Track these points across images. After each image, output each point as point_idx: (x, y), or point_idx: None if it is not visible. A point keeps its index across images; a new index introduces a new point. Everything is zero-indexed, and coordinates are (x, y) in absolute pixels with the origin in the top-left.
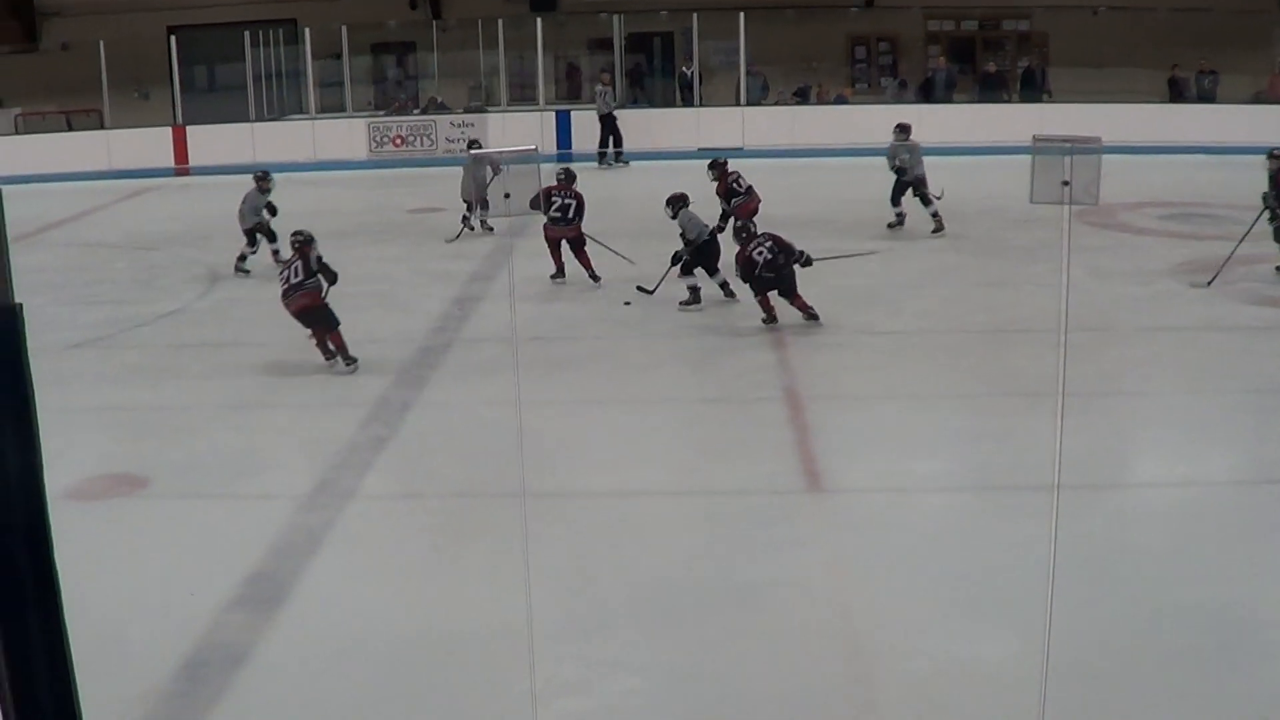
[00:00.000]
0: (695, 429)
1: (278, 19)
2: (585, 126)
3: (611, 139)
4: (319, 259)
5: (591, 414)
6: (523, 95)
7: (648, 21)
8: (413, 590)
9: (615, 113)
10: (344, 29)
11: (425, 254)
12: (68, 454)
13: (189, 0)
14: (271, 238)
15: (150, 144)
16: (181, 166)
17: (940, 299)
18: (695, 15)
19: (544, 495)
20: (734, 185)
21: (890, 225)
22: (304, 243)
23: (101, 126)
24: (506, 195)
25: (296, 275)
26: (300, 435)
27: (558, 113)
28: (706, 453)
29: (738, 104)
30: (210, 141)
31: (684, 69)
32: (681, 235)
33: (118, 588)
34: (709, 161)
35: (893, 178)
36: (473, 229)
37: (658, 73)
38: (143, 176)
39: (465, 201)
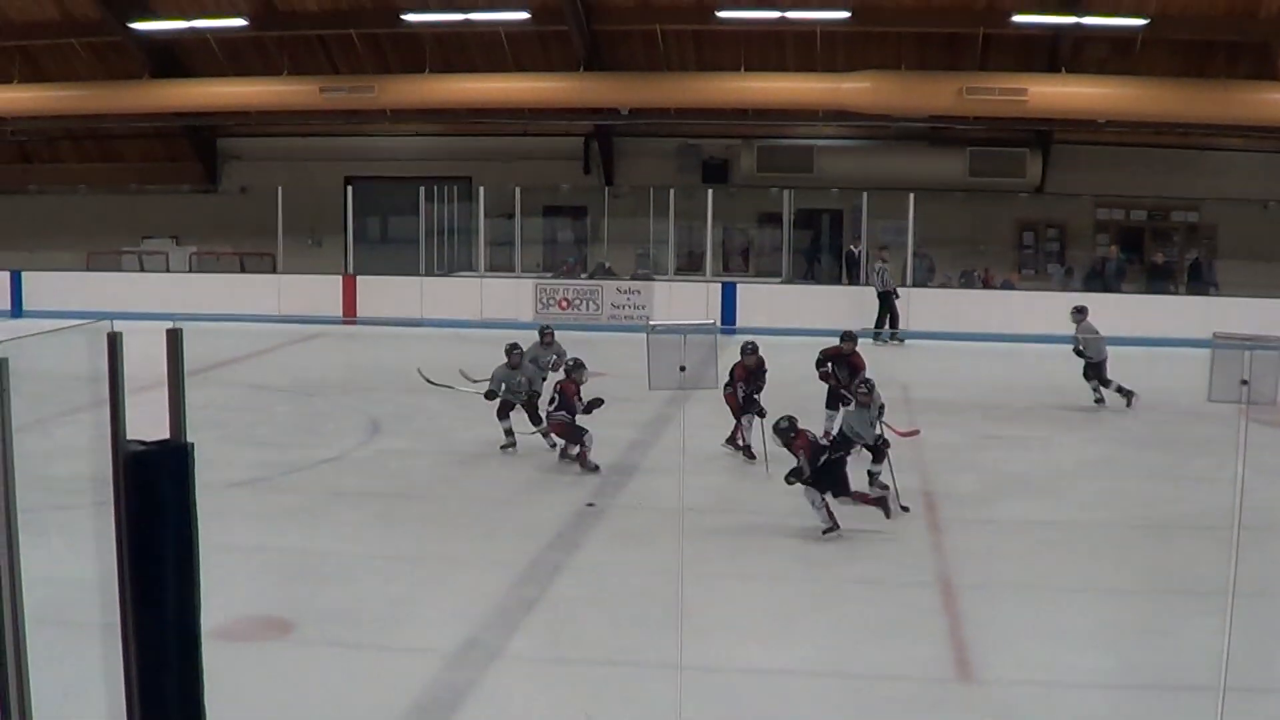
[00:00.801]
0: (847, 610)
1: (453, 176)
2: (751, 300)
3: (889, 317)
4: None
5: (744, 588)
6: (689, 265)
7: (818, 198)
8: None
9: (897, 290)
10: (518, 190)
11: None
12: (218, 592)
13: (367, 153)
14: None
15: (320, 291)
16: (349, 316)
17: (1101, 489)
18: (865, 194)
19: (691, 668)
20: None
21: (1096, 401)
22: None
23: (274, 270)
24: (682, 368)
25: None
26: (450, 591)
27: (724, 284)
28: (857, 635)
29: (903, 285)
30: (379, 292)
31: (851, 247)
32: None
33: None
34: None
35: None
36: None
37: (825, 249)
38: (311, 322)
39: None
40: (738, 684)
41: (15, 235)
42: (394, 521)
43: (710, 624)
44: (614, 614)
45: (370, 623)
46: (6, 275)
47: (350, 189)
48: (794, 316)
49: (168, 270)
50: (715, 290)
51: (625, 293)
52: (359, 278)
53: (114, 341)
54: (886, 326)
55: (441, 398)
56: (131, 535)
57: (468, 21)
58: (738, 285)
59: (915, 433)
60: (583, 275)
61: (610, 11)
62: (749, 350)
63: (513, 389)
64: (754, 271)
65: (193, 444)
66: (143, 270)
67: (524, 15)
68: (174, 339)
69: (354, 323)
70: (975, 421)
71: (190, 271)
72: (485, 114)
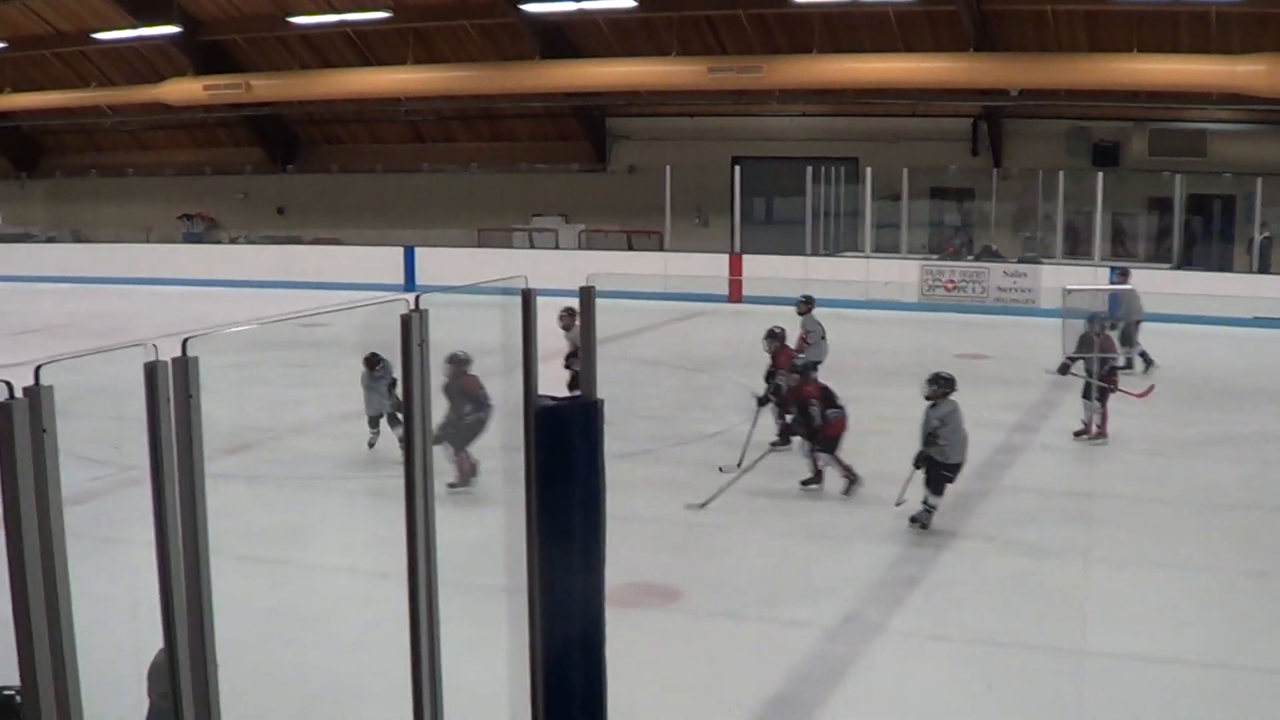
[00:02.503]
0: (1230, 601)
1: (840, 156)
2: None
3: None
4: None
5: (1127, 574)
6: (1076, 249)
7: (1209, 184)
8: None
9: None
10: (905, 171)
11: (969, 400)
12: (608, 559)
13: (754, 133)
14: None
15: (707, 269)
16: (735, 294)
17: None
18: (1260, 180)
19: (1065, 650)
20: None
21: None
22: None
23: (661, 248)
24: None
25: None
26: (833, 566)
27: (1111, 269)
28: (1246, 626)
29: None
30: (765, 271)
31: (1256, 234)
32: None
33: (642, 695)
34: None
35: None
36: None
37: (1215, 236)
38: (697, 300)
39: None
40: (1120, 669)
41: (409, 213)
42: (778, 498)
43: (1100, 610)
44: (995, 595)
45: (754, 594)
46: (400, 251)
47: (737, 169)
48: (1182, 304)
49: (557, 247)
50: (1103, 275)
51: (1011, 275)
52: (745, 256)
53: (528, 299)
54: None
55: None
56: (541, 488)
57: (856, 1)
58: (1129, 271)
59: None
60: (969, 257)
61: None
62: None
63: None
64: (1144, 257)
65: (602, 400)
66: (533, 247)
67: None
68: (587, 296)
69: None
70: None
71: (579, 249)
72: (873, 94)
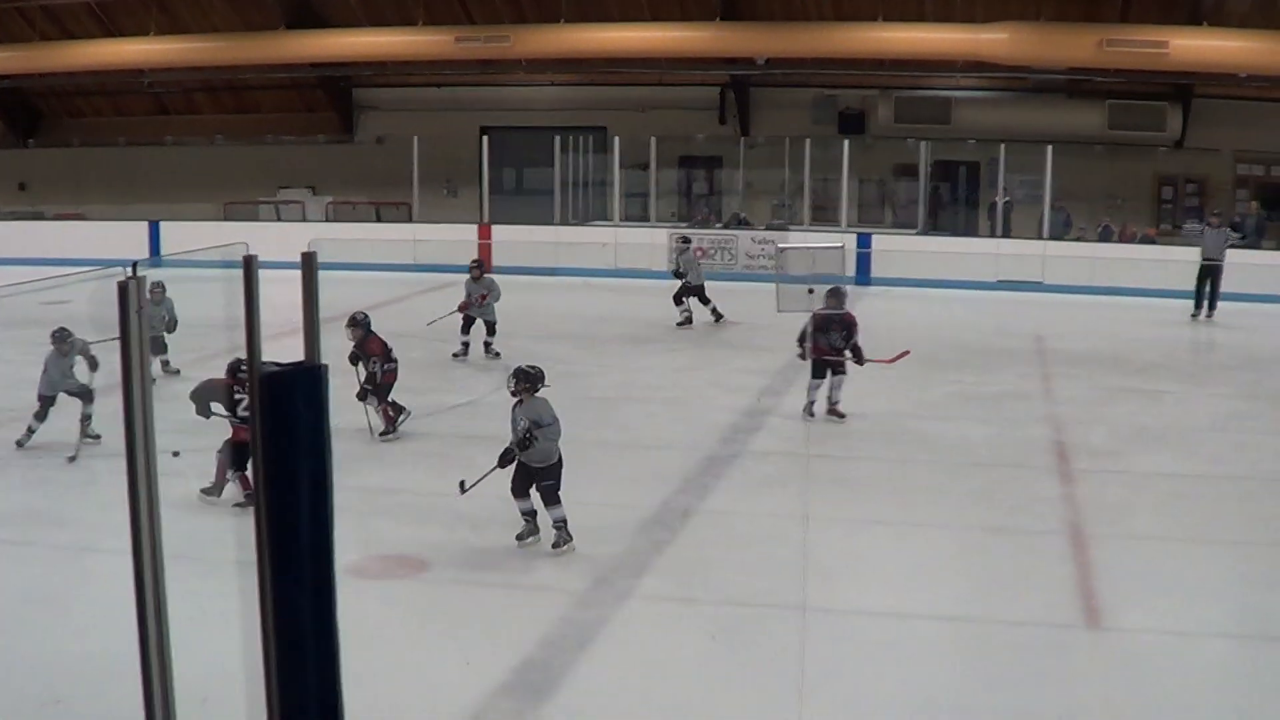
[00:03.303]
0: (975, 557)
1: (588, 125)
2: (884, 251)
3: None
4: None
5: (872, 534)
6: (824, 216)
7: (954, 150)
8: (681, 694)
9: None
10: (653, 140)
11: (718, 365)
12: (352, 533)
13: (502, 103)
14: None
15: (456, 240)
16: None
17: (1233, 444)
18: (1003, 146)
19: (819, 610)
20: None
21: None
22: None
23: (410, 220)
24: (810, 290)
25: None
26: (583, 533)
27: (859, 235)
28: (985, 581)
29: (1039, 238)
30: (514, 242)
31: (996, 199)
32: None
33: (389, 665)
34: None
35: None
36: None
37: (960, 202)
38: (446, 271)
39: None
40: (864, 626)
41: (153, 186)
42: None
43: (837, 568)
44: (742, 558)
45: (501, 562)
46: (145, 225)
47: (486, 139)
48: (928, 268)
49: (304, 220)
50: (851, 241)
51: (760, 243)
52: (494, 226)
53: (249, 264)
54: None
55: (576, 344)
56: (268, 455)
57: None
58: (873, 236)
59: (904, 354)
60: (718, 225)
61: None
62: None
63: None
64: (890, 223)
65: (326, 365)
66: (279, 220)
67: None
68: (309, 262)
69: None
70: (1107, 374)
71: (326, 220)
72: (621, 64)
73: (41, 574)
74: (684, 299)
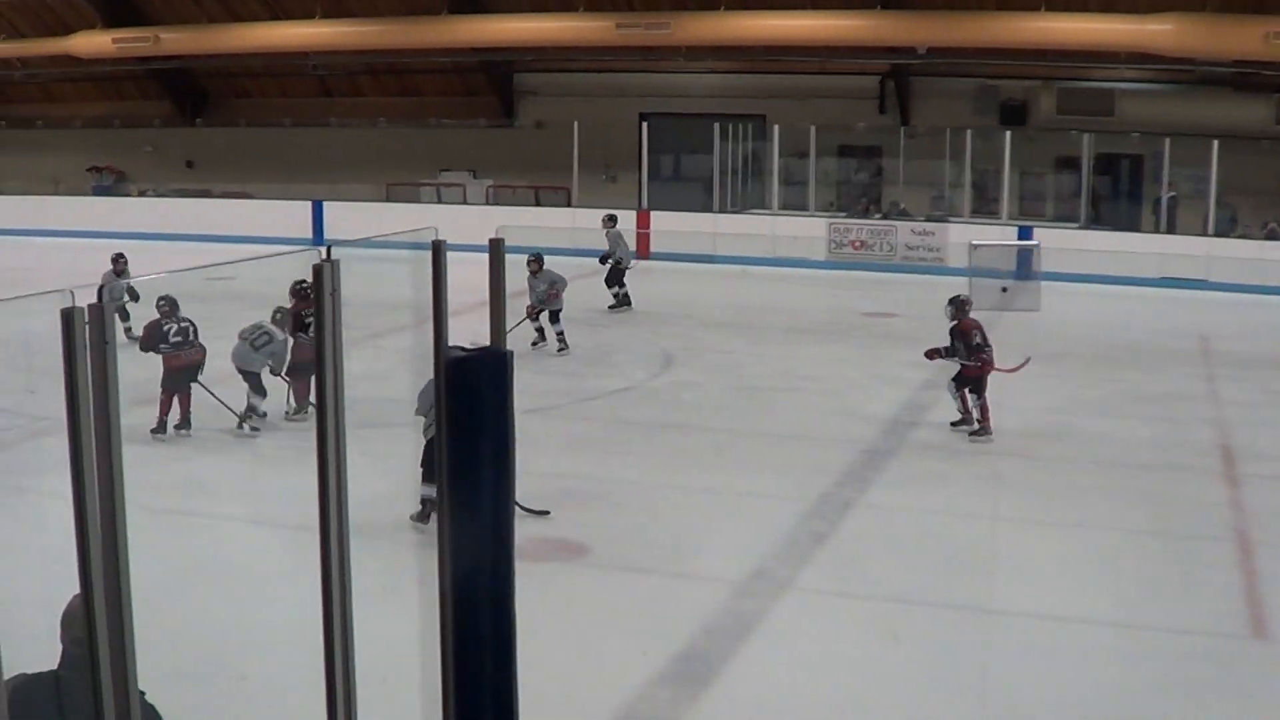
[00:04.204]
0: (1138, 561)
1: (748, 114)
2: (1046, 245)
3: None
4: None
5: (1032, 533)
6: (985, 208)
7: (1117, 143)
8: (838, 689)
9: None
10: (813, 129)
11: (879, 357)
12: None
13: (662, 89)
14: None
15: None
16: (642, 251)
17: None
18: (1167, 140)
19: (977, 610)
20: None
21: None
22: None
23: (568, 204)
24: (1004, 289)
25: None
26: (741, 522)
27: (1019, 228)
28: (1148, 587)
29: (1204, 234)
30: (672, 228)
31: (1162, 194)
32: None
33: (548, 649)
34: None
35: None
36: None
37: (1123, 196)
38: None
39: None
40: (1022, 627)
41: (316, 167)
42: (685, 452)
43: (997, 567)
44: (901, 552)
45: (662, 549)
46: (308, 205)
47: (645, 125)
48: (1090, 263)
49: (465, 202)
50: (1011, 234)
51: (919, 234)
52: (653, 213)
53: (438, 250)
54: None
55: (734, 333)
56: (452, 440)
57: None
58: (1034, 229)
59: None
60: (876, 216)
61: None
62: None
63: None
64: (1051, 216)
65: (512, 351)
66: (440, 202)
67: None
68: (495, 248)
69: (648, 257)
70: (1275, 377)
71: (486, 204)
72: (781, 51)
73: (210, 545)
74: (616, 282)
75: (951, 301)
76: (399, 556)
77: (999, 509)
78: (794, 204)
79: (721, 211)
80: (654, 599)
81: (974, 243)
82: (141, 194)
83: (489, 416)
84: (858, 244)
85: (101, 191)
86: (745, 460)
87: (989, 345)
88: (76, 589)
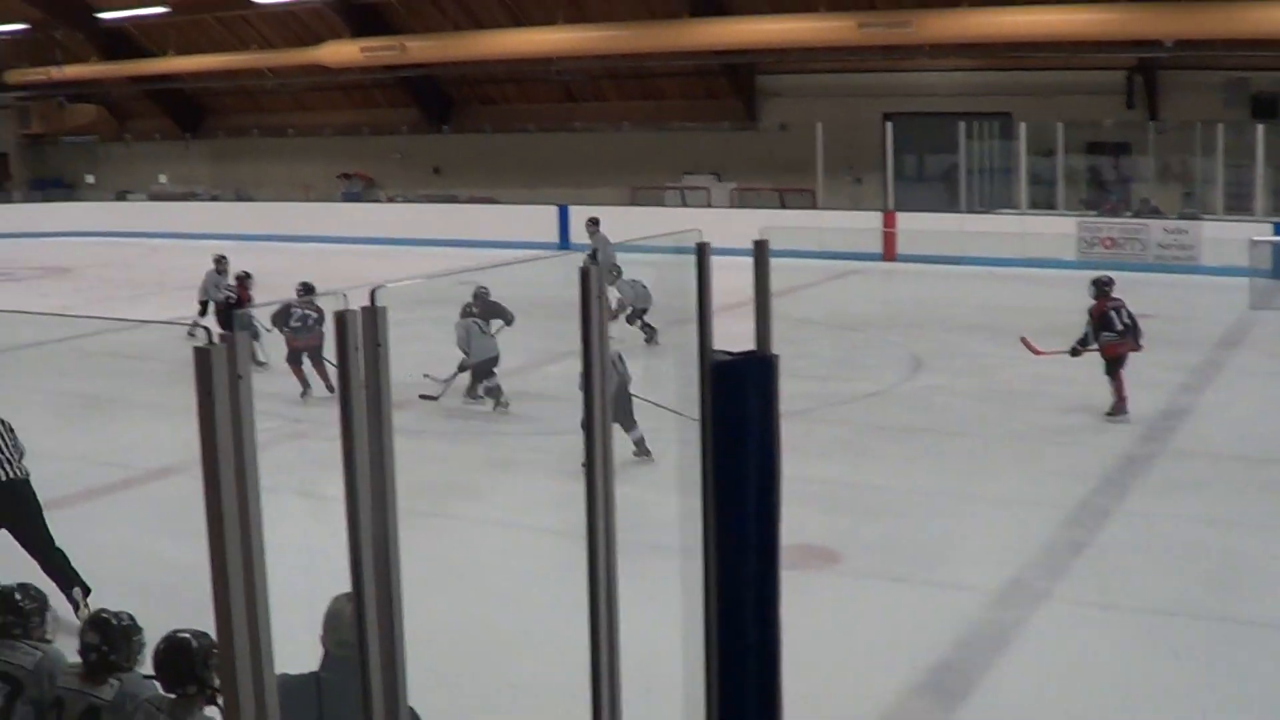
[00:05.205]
0: None
1: (993, 112)
2: None
3: None
4: None
5: None
6: (1238, 205)
7: None
8: (1100, 706)
9: None
10: (1060, 126)
11: (1132, 359)
12: None
13: (905, 89)
14: None
15: (860, 227)
16: (889, 251)
17: None
18: None
19: (1245, 623)
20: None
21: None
22: None
23: (814, 206)
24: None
25: None
26: (998, 529)
27: (1275, 225)
28: None
29: None
30: (918, 229)
31: None
32: None
33: (803, 659)
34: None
35: None
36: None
37: None
38: (850, 259)
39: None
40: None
41: (561, 172)
42: (938, 457)
43: (1263, 579)
44: (1164, 562)
45: (916, 557)
46: (554, 210)
47: (889, 125)
48: None
49: (709, 205)
50: (1266, 230)
51: (1172, 232)
52: (899, 214)
53: (702, 251)
54: None
55: (986, 336)
56: (716, 444)
57: None
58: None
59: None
60: (1127, 214)
61: None
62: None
63: None
64: None
65: (778, 356)
66: (685, 205)
67: None
68: (761, 250)
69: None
70: None
71: (731, 207)
72: (1025, 47)
73: (458, 546)
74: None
75: (1094, 282)
76: (658, 565)
77: (1266, 518)
78: (1042, 203)
79: (969, 211)
80: (908, 608)
81: (1254, 239)
82: (390, 200)
83: (754, 421)
84: (1109, 243)
85: (351, 198)
86: (998, 466)
87: (1125, 326)
88: (332, 590)
